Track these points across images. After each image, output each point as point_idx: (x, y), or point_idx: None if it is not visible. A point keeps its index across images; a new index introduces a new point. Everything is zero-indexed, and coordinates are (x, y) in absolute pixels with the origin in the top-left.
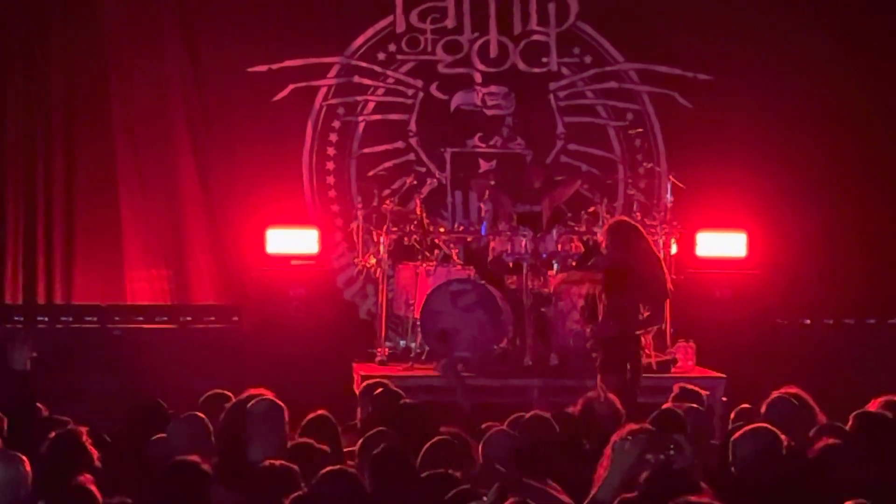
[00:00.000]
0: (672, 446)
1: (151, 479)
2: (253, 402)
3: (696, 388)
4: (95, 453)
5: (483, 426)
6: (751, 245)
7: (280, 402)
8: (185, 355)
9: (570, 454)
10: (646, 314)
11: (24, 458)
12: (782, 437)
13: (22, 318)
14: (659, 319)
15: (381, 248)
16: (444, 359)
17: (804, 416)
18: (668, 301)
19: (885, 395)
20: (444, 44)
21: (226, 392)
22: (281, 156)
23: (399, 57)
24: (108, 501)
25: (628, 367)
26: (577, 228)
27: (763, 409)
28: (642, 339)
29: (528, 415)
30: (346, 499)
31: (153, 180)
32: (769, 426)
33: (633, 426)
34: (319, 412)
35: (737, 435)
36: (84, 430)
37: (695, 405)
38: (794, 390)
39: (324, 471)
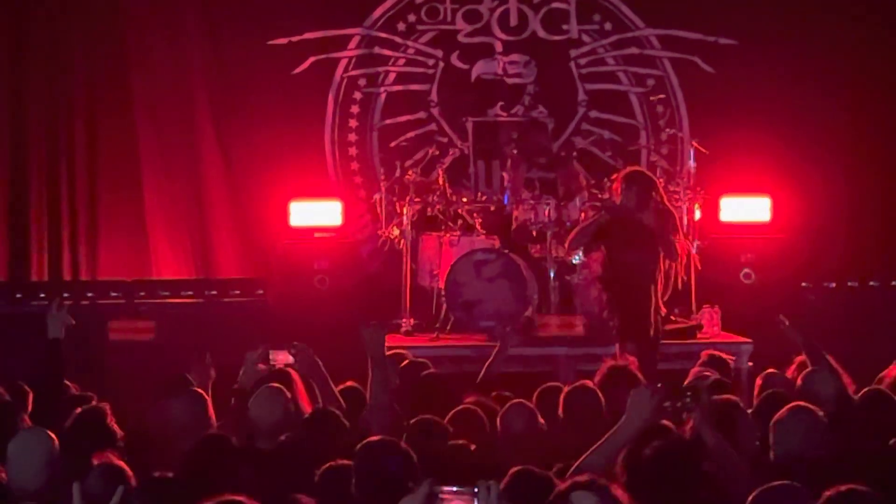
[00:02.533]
0: (689, 395)
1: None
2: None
3: (724, 356)
4: (119, 431)
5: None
6: (775, 209)
7: (278, 387)
8: (211, 329)
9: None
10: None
11: (52, 434)
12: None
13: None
14: (676, 259)
15: (405, 218)
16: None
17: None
18: (681, 264)
19: None
20: (464, 13)
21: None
22: (303, 129)
23: (419, 27)
24: (148, 477)
25: (646, 331)
26: (600, 196)
27: (799, 382)
28: (658, 301)
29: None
30: (392, 469)
31: (175, 156)
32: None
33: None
34: (349, 383)
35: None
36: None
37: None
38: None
39: (367, 441)
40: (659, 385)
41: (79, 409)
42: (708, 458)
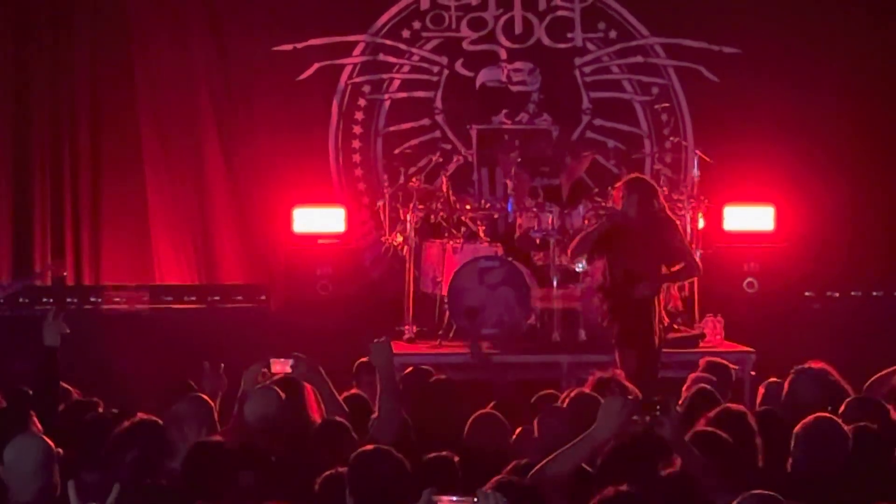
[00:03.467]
0: (659, 408)
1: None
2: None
3: (724, 362)
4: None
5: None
6: (779, 218)
7: (271, 387)
8: (214, 334)
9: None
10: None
11: (48, 440)
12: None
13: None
14: (686, 275)
15: (408, 225)
16: (472, 341)
17: (829, 392)
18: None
19: None
20: (469, 20)
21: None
22: (306, 135)
23: (424, 34)
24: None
25: (648, 340)
26: (604, 204)
27: (786, 387)
28: (660, 308)
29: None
30: (386, 478)
31: (179, 161)
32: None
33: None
34: (353, 391)
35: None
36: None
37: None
38: (818, 365)
39: (360, 450)
40: (630, 396)
41: (130, 423)
42: (672, 466)
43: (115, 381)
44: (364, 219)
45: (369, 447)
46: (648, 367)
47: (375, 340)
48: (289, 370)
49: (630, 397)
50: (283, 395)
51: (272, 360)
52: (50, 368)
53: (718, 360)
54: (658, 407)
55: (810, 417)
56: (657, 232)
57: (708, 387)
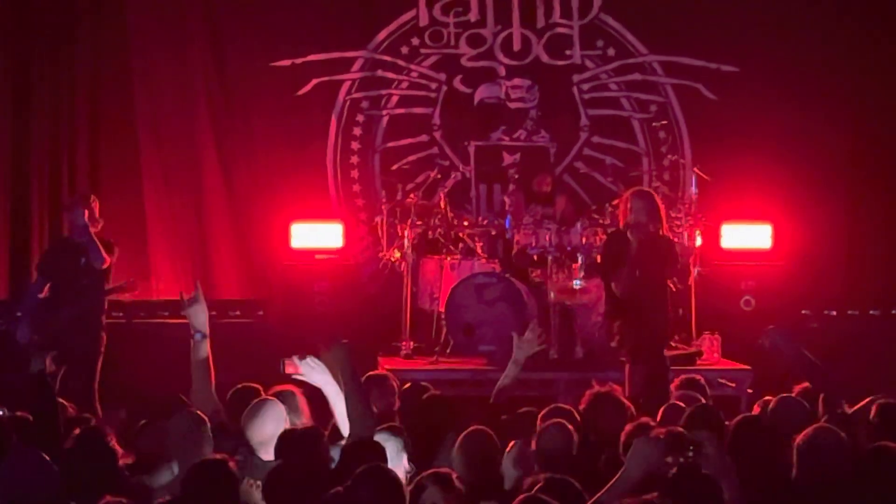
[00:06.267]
0: (692, 448)
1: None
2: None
3: (695, 376)
4: (119, 451)
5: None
6: (776, 236)
7: (271, 399)
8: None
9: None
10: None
11: (47, 458)
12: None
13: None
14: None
15: (406, 241)
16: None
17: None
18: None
19: None
20: (468, 37)
21: (254, 385)
22: (305, 150)
23: (422, 51)
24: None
25: (658, 355)
26: (601, 221)
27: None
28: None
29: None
30: (385, 497)
31: (177, 176)
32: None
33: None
34: None
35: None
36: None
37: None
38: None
39: (362, 468)
40: (662, 437)
41: (77, 430)
42: None
43: (114, 395)
44: (362, 234)
45: (364, 467)
46: (659, 382)
47: (333, 346)
48: (301, 372)
49: (661, 436)
50: (281, 406)
51: (286, 361)
52: (44, 387)
53: (689, 377)
54: (691, 448)
55: (810, 429)
56: (659, 241)
57: (707, 402)
